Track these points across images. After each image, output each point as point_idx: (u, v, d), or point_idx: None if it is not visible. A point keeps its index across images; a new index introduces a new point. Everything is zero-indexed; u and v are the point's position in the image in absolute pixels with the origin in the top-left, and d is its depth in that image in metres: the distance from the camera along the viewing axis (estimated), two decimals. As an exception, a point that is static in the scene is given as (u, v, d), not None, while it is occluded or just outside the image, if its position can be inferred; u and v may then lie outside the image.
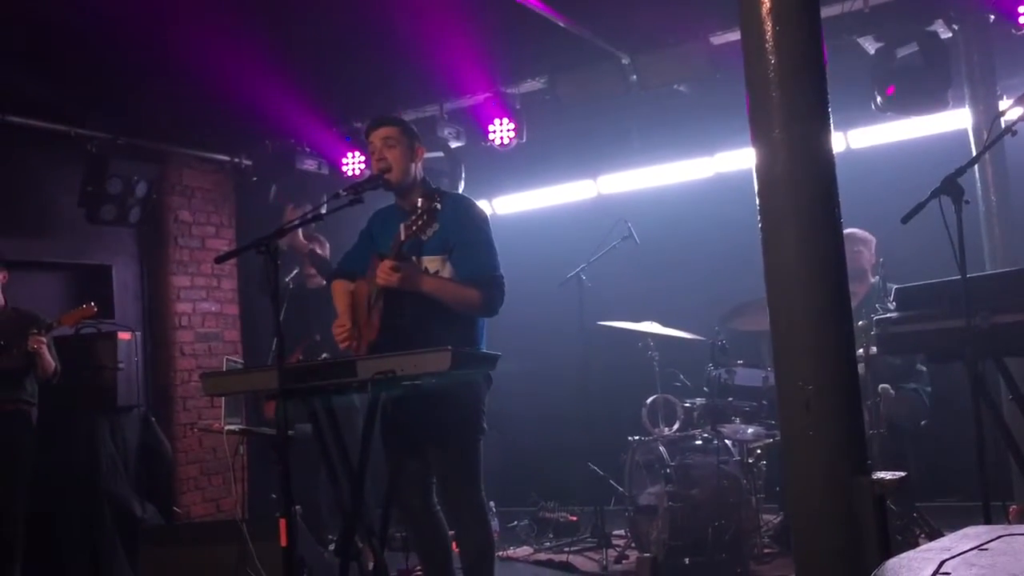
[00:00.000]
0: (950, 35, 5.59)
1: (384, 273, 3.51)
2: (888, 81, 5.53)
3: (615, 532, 6.18)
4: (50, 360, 5.52)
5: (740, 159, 7.09)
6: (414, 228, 3.45)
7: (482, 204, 4.03)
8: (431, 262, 3.70)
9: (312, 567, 4.94)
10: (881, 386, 4.98)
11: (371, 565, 3.67)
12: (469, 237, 3.73)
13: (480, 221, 3.83)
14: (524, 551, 6.29)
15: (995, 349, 3.65)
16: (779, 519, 5.50)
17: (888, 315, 3.95)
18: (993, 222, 5.61)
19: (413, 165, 3.83)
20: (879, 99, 5.57)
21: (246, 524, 4.79)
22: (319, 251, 6.48)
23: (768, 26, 2.73)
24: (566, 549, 6.12)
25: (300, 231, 6.22)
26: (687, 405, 5.83)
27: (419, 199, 3.48)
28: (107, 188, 6.66)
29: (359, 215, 4.02)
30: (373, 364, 3.28)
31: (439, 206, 3.46)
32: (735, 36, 5.57)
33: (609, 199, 7.91)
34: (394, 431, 3.76)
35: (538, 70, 6.56)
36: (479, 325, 3.80)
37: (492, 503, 5.73)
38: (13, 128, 6.29)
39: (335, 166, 7.30)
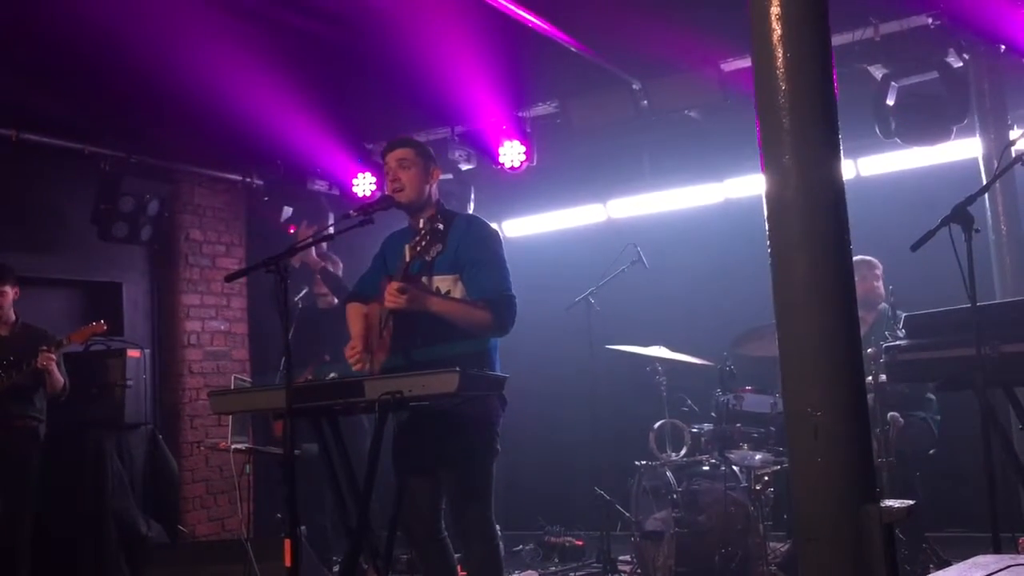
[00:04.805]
0: (961, 64, 5.61)
1: (391, 295, 3.50)
2: (899, 109, 5.54)
3: (621, 557, 6.14)
4: (59, 376, 5.55)
5: (749, 185, 7.10)
6: (417, 249, 3.48)
7: (492, 226, 4.03)
8: (443, 281, 3.71)
9: (316, 588, 4.93)
10: (890, 414, 4.96)
11: (376, 587, 3.66)
12: (480, 256, 3.73)
13: (491, 240, 3.84)
14: None
15: (1005, 378, 3.65)
16: (786, 547, 5.46)
17: (898, 343, 3.94)
18: (1003, 251, 5.59)
19: (427, 186, 3.84)
20: (894, 124, 5.57)
21: (251, 544, 4.79)
22: (331, 269, 6.51)
23: (779, 53, 2.74)
24: (571, 574, 6.09)
25: (313, 248, 6.25)
26: (695, 430, 5.80)
27: (421, 220, 3.50)
28: (119, 206, 6.70)
29: (374, 237, 4.04)
30: (381, 384, 3.28)
31: (441, 227, 3.49)
32: (745, 63, 5.66)
33: (619, 223, 7.92)
34: (406, 452, 3.74)
35: (549, 94, 6.61)
36: (492, 345, 3.78)
37: (497, 527, 5.70)
38: (27, 145, 6.34)
39: (345, 187, 7.34)
